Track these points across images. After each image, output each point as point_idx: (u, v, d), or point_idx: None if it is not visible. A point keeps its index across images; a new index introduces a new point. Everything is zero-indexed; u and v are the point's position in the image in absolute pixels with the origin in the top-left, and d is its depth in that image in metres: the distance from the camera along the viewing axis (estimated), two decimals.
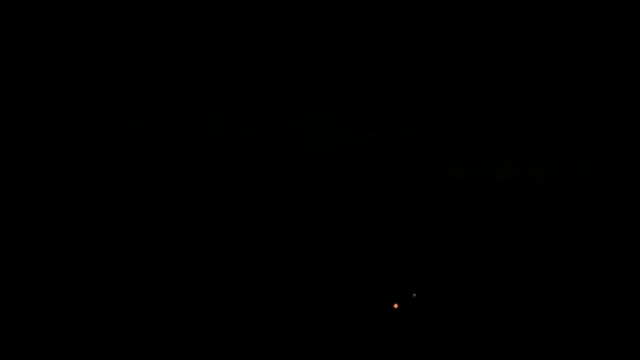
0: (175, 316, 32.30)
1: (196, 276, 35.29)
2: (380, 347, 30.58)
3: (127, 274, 34.50)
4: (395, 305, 32.95)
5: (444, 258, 36.38)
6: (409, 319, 32.10)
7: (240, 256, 36.37)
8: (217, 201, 39.25)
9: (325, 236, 37.12)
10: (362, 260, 35.88)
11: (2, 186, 32.64)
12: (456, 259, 36.41)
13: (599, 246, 35.10)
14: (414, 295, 32.02)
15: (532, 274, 34.88)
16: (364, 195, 39.33)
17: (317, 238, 37.16)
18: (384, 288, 33.55)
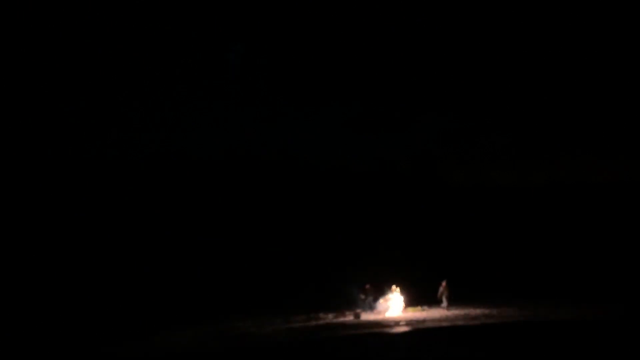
0: (173, 314, 31.94)
1: (196, 276, 34.87)
2: (379, 342, 29.93)
3: (128, 272, 34.17)
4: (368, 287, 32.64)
5: (443, 260, 36.23)
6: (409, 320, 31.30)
7: (240, 258, 36.21)
8: (217, 207, 39.49)
9: (324, 239, 36.96)
10: (360, 260, 35.74)
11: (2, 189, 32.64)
12: (456, 261, 36.28)
13: (599, 247, 35.20)
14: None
15: (531, 276, 34.93)
16: (362, 199, 39.50)
17: (315, 241, 37.03)
18: (380, 287, 33.37)
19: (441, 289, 35.80)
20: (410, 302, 36.00)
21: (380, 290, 36.34)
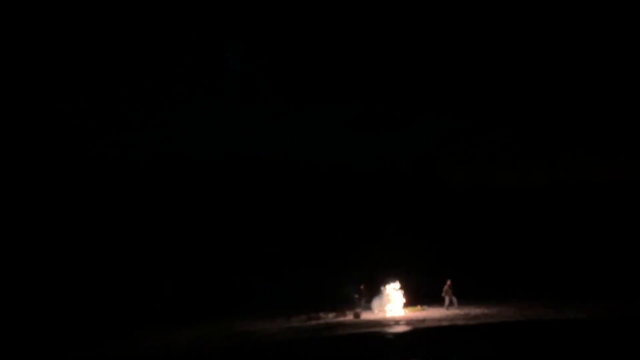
0: (174, 313, 32.03)
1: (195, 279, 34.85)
2: (377, 337, 29.87)
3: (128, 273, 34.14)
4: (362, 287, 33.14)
5: (443, 260, 36.22)
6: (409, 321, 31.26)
7: (240, 257, 36.27)
8: (218, 207, 39.66)
9: (324, 239, 37.02)
10: (359, 260, 35.71)
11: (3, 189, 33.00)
12: (456, 261, 36.31)
13: (599, 247, 35.31)
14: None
15: (531, 275, 34.94)
16: (362, 199, 39.60)
17: (315, 241, 37.04)
18: (374, 287, 33.34)
19: (446, 287, 35.74)
20: (410, 301, 35.97)
21: (375, 290, 36.37)
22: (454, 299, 35.21)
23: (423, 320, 32.48)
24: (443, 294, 35.59)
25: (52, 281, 36.36)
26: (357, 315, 34.56)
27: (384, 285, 35.82)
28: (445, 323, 31.57)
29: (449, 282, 35.58)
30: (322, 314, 34.94)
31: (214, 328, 32.51)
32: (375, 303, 35.65)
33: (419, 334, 29.74)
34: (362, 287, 36.52)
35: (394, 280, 35.79)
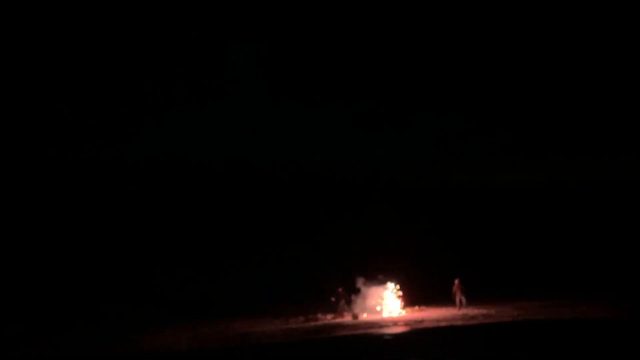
0: (175, 313, 32.12)
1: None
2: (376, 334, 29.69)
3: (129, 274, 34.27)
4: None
5: (443, 260, 36.21)
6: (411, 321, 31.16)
7: (240, 258, 36.22)
8: (218, 208, 39.72)
9: (323, 239, 36.91)
10: (359, 261, 35.57)
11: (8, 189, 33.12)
12: (456, 261, 36.29)
13: (599, 247, 35.35)
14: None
15: (530, 276, 34.92)
16: (362, 199, 39.56)
17: (314, 241, 36.94)
18: (354, 290, 33.09)
19: (454, 287, 36.11)
20: (409, 302, 35.95)
21: (355, 293, 35.89)
22: (457, 300, 35.13)
23: (421, 321, 32.45)
24: (454, 294, 35.40)
25: (51, 280, 36.45)
26: (355, 317, 34.30)
27: (363, 286, 35.76)
28: (443, 324, 31.56)
29: (456, 282, 35.49)
30: (320, 315, 35.02)
31: (213, 329, 32.51)
32: (359, 305, 35.64)
33: (417, 334, 29.72)
34: (339, 290, 36.41)
35: (380, 280, 35.76)
